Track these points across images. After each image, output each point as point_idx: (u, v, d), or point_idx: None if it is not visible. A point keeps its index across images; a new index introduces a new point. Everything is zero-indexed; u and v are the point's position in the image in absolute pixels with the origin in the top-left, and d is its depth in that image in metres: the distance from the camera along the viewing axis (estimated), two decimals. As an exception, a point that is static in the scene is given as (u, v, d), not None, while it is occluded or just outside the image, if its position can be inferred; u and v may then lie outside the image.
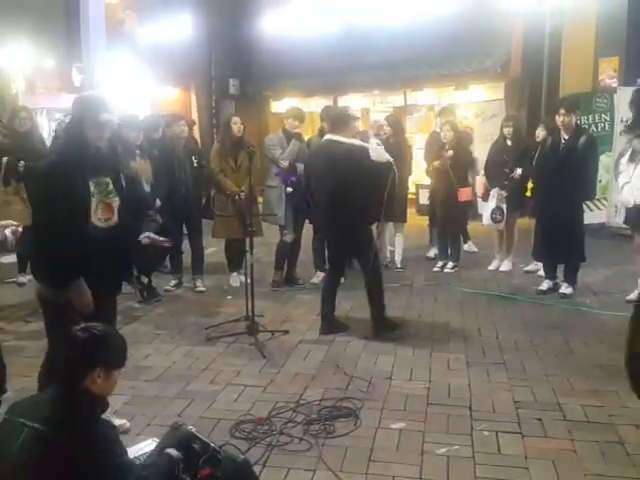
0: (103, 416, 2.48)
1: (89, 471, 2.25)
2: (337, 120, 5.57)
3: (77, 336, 2.48)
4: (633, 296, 6.12)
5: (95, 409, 2.42)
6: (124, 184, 3.67)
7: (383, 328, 5.54)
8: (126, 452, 2.46)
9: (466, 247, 8.67)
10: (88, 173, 3.40)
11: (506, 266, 7.80)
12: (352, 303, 6.26)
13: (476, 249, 8.80)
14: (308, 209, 6.99)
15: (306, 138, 7.28)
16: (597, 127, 9.33)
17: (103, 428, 2.37)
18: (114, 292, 3.84)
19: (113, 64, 9.77)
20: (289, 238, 7.04)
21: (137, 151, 6.42)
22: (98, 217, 3.45)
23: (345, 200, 5.32)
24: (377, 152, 5.42)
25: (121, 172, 3.72)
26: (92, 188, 3.41)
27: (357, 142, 5.43)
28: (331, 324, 5.66)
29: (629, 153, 6.11)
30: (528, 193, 7.12)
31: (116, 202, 3.54)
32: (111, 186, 3.52)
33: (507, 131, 7.52)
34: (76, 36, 6.47)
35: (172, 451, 2.51)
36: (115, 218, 3.54)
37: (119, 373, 2.56)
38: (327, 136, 5.61)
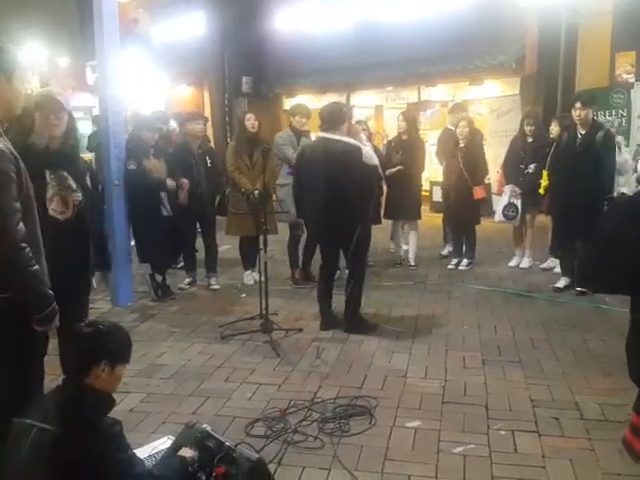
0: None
1: (94, 467, 2.28)
2: (332, 117, 5.48)
3: (82, 330, 2.50)
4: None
5: (99, 405, 2.43)
6: (89, 184, 3.74)
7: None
8: (130, 448, 2.47)
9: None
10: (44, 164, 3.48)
11: (526, 263, 7.74)
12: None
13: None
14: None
15: (313, 135, 7.23)
16: (614, 123, 9.24)
17: (107, 424, 2.39)
18: (78, 288, 3.70)
19: (127, 63, 9.82)
20: None
21: (152, 150, 6.57)
22: (53, 208, 3.51)
23: (341, 196, 5.27)
24: (368, 154, 5.36)
25: (86, 173, 3.78)
26: (47, 178, 3.48)
27: (353, 141, 5.39)
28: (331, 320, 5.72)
29: None
30: (541, 191, 7.01)
31: (74, 198, 3.59)
32: (70, 181, 3.57)
33: (529, 129, 7.39)
34: (89, 34, 6.49)
35: (187, 450, 2.51)
36: (69, 213, 3.58)
37: (124, 369, 2.56)
38: (320, 134, 5.56)
